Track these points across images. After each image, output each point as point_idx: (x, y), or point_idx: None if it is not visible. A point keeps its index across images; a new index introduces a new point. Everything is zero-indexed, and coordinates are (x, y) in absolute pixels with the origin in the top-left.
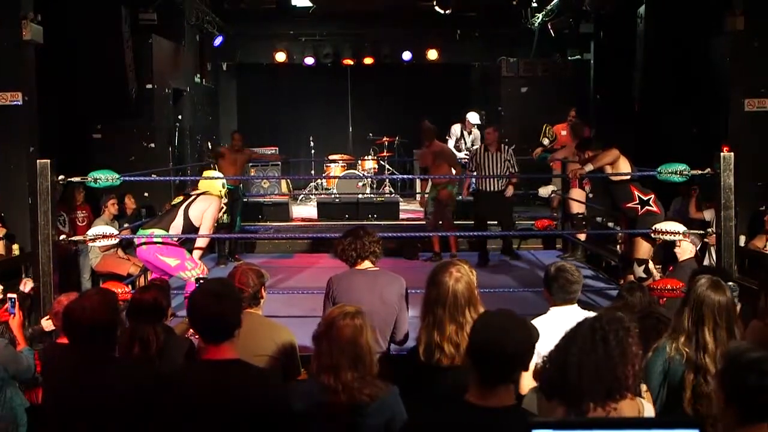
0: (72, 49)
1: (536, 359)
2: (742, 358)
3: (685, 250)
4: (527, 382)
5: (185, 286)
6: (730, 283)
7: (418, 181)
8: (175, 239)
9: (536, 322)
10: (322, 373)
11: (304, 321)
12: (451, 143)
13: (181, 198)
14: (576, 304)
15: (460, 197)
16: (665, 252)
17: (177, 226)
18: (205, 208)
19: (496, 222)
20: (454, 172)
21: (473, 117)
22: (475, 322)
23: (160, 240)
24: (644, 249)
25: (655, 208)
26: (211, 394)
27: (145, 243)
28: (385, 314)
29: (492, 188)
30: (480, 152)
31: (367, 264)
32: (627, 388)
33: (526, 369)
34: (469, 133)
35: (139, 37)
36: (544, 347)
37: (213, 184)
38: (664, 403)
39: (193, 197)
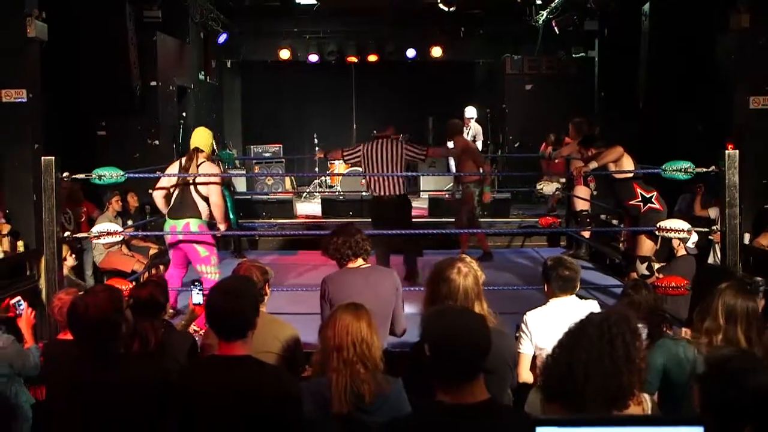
0: (76, 46)
1: (534, 351)
2: (725, 369)
3: (676, 246)
4: (525, 374)
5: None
6: (758, 278)
7: (421, 178)
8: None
9: (535, 313)
10: (327, 356)
11: (308, 318)
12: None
13: (176, 165)
14: (574, 295)
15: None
16: (669, 249)
17: (204, 208)
18: (208, 187)
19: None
20: (481, 170)
21: (470, 111)
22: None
23: (197, 229)
24: (647, 246)
25: (657, 206)
26: (221, 388)
27: (182, 238)
28: (383, 310)
29: (386, 192)
30: (368, 147)
31: (360, 262)
32: (632, 394)
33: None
34: (467, 128)
35: (144, 35)
36: (542, 339)
37: (203, 139)
38: (660, 400)
39: (193, 175)
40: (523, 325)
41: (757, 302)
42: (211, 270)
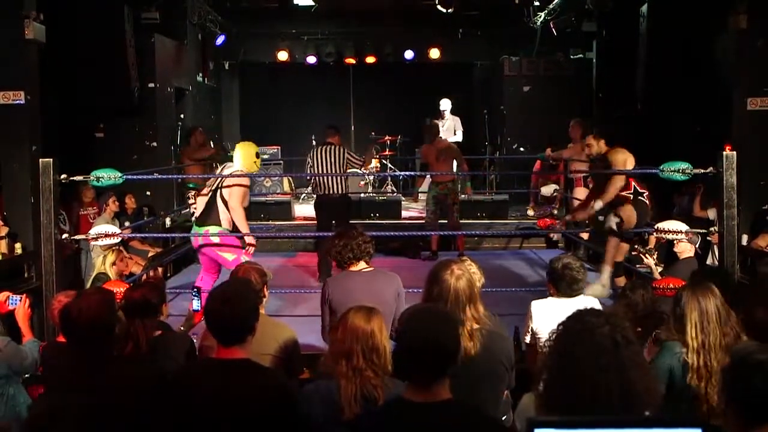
0: (74, 48)
1: (533, 340)
2: (749, 359)
3: (684, 248)
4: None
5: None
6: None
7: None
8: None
9: (542, 302)
10: (336, 361)
11: (306, 320)
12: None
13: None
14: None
15: (465, 196)
16: (667, 251)
17: (225, 216)
18: (230, 190)
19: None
20: (464, 168)
21: (444, 103)
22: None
23: (217, 238)
24: (626, 213)
25: (646, 201)
26: (217, 392)
27: (203, 244)
28: (384, 314)
29: (331, 191)
30: (315, 150)
31: (362, 264)
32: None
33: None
34: (444, 121)
35: (142, 36)
36: (545, 329)
37: (244, 156)
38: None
39: (220, 181)
40: (527, 316)
41: (718, 296)
42: None
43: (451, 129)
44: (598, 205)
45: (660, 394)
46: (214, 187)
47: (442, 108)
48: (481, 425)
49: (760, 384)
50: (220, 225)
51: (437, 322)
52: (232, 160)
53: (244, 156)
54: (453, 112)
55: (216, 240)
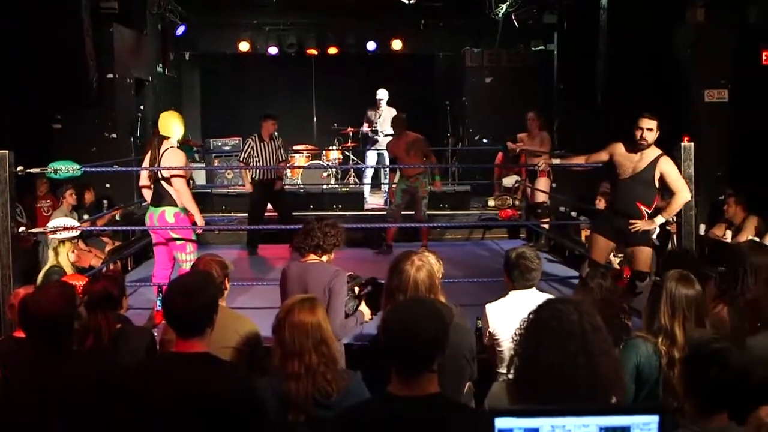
0: (31, 38)
1: (491, 342)
2: (705, 349)
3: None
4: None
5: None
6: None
7: (384, 173)
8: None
9: (495, 305)
10: (286, 361)
11: (268, 312)
12: (365, 127)
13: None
14: (534, 288)
15: (432, 188)
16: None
17: (177, 196)
18: (170, 172)
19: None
20: (433, 160)
21: (381, 93)
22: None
23: (172, 219)
24: (645, 260)
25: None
26: (177, 386)
27: (158, 222)
28: None
29: (266, 177)
30: (255, 142)
31: (311, 257)
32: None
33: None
34: (379, 111)
35: (100, 26)
36: (500, 330)
37: (167, 124)
38: (633, 397)
39: (158, 161)
40: (483, 320)
41: (699, 289)
42: (187, 258)
43: (387, 120)
44: (660, 220)
45: (625, 381)
46: (154, 172)
47: (378, 97)
48: (464, 420)
49: (716, 373)
50: (176, 206)
51: (420, 314)
52: (192, 151)
53: (176, 125)
54: (389, 103)
55: (171, 221)
